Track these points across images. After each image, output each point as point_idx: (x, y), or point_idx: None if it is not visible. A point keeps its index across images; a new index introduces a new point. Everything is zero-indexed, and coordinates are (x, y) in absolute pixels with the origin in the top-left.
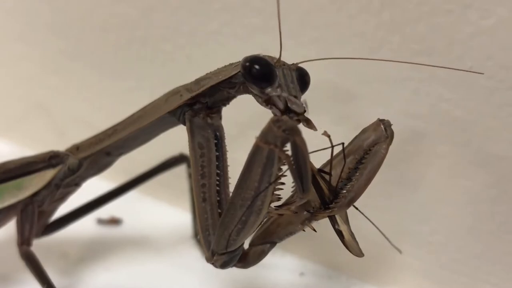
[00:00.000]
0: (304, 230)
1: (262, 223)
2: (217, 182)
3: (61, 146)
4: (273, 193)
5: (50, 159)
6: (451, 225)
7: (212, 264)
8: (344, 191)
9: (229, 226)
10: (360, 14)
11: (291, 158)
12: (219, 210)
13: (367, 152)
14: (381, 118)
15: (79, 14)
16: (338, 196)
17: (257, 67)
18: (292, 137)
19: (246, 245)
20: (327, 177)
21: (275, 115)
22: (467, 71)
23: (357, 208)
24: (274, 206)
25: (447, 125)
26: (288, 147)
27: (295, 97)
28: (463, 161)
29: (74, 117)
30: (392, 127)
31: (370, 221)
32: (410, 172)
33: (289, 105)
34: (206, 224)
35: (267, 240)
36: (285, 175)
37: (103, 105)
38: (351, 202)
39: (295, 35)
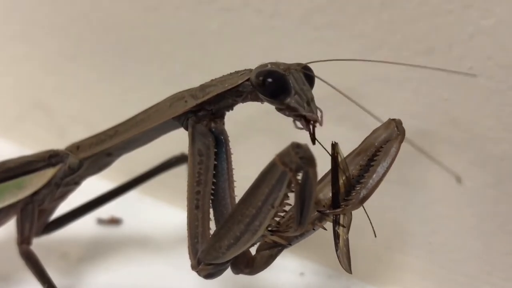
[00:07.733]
0: (314, 230)
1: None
2: (212, 191)
3: (60, 146)
4: (273, 218)
5: (50, 158)
6: (451, 225)
7: (197, 272)
8: (357, 188)
9: (223, 238)
10: (360, 14)
11: (299, 188)
12: (212, 219)
13: (379, 150)
14: (390, 118)
15: (79, 14)
16: (350, 194)
17: (273, 82)
18: (306, 167)
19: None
20: (345, 175)
21: (295, 122)
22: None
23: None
24: (269, 230)
25: (447, 125)
26: (300, 175)
27: (311, 99)
28: (463, 161)
29: (74, 117)
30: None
31: (369, 218)
32: (410, 172)
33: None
34: (196, 232)
35: (275, 244)
36: (290, 204)
37: (103, 105)
38: (364, 199)
39: (295, 35)
